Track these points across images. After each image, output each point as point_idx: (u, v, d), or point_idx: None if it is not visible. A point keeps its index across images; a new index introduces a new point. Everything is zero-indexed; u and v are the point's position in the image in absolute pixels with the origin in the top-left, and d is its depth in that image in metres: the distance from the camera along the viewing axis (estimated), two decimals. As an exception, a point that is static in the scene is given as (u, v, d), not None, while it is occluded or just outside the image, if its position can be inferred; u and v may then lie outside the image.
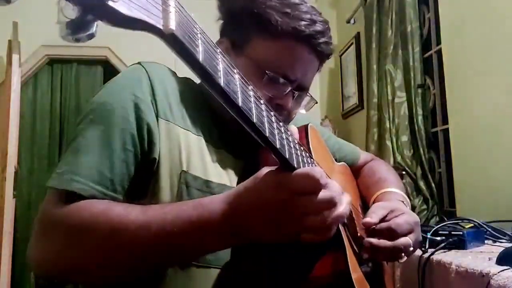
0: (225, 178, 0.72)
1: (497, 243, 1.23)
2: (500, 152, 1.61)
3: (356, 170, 1.10)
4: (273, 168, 0.52)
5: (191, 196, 0.66)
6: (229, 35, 0.78)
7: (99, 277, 0.60)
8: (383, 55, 2.43)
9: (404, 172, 2.17)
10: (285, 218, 0.50)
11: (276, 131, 0.47)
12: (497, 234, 1.27)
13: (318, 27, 0.75)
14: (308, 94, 0.81)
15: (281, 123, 0.51)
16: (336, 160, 1.01)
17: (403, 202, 0.89)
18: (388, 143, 2.31)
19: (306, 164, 0.59)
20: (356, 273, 0.71)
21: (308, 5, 0.77)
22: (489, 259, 0.99)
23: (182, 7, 0.35)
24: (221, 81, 0.37)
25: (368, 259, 0.80)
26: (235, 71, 0.41)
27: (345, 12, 3.21)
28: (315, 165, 0.66)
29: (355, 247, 0.78)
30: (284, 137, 0.51)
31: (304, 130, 0.77)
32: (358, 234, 0.83)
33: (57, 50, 3.39)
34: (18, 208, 2.62)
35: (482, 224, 1.29)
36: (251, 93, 0.44)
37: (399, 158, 2.24)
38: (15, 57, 2.75)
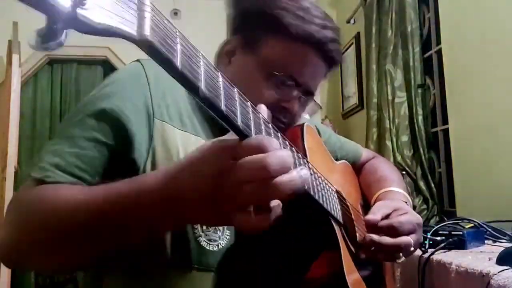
0: None
1: (497, 243, 1.23)
2: (500, 152, 1.61)
3: (357, 168, 1.09)
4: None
5: None
6: (240, 34, 0.78)
7: (45, 260, 0.57)
8: (383, 55, 2.43)
9: (404, 172, 2.17)
10: (220, 190, 0.42)
11: (264, 133, 0.47)
12: (497, 234, 1.27)
13: (330, 33, 0.75)
14: (314, 100, 0.81)
15: (270, 125, 0.51)
16: (337, 158, 1.01)
17: (405, 202, 0.89)
18: (388, 143, 2.31)
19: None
20: (352, 274, 0.71)
21: (321, 10, 0.76)
22: (489, 259, 0.99)
23: (159, 12, 0.34)
24: (202, 85, 0.37)
25: (367, 260, 0.80)
26: (218, 74, 0.41)
27: (345, 12, 3.21)
28: (309, 164, 0.66)
29: (352, 248, 0.77)
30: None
31: (299, 130, 0.75)
32: (357, 235, 0.83)
33: (57, 50, 3.38)
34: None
35: (482, 224, 1.29)
36: (236, 95, 0.43)
37: (399, 158, 2.24)
38: (15, 57, 2.75)
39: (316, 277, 0.67)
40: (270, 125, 0.51)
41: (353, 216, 0.86)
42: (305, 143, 0.72)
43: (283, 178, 0.41)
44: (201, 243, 0.65)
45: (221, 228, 0.69)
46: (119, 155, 0.63)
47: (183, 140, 0.68)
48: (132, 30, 0.31)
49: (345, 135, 3.21)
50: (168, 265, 0.64)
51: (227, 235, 0.69)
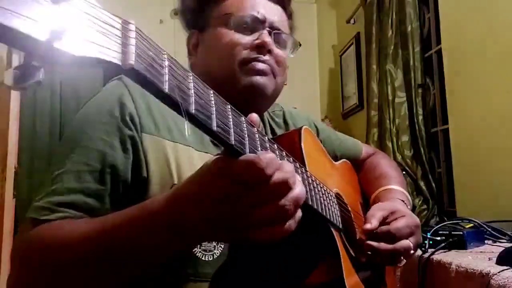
0: None
1: (497, 243, 1.23)
2: (500, 152, 1.61)
3: (358, 164, 1.09)
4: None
5: None
6: (192, 25, 0.85)
7: None
8: (383, 55, 2.43)
9: (404, 172, 2.17)
10: (229, 212, 0.43)
11: (259, 147, 0.47)
12: (497, 234, 1.27)
13: None
14: (288, 35, 0.84)
15: (266, 138, 0.51)
16: (337, 156, 1.00)
17: (403, 201, 0.89)
18: (389, 143, 2.31)
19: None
20: (351, 278, 0.70)
21: None
22: (489, 259, 0.99)
23: (144, 35, 0.33)
24: (192, 108, 0.36)
25: (367, 263, 0.80)
26: (210, 92, 0.41)
27: (345, 12, 3.20)
28: (308, 173, 0.65)
29: (351, 251, 0.77)
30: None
31: (297, 134, 0.74)
32: (357, 237, 0.82)
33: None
34: (18, 208, 2.61)
35: (482, 224, 1.29)
36: (230, 112, 0.43)
37: (399, 158, 2.24)
38: (15, 57, 2.75)
39: (313, 282, 0.66)
40: (266, 138, 0.51)
41: (352, 217, 0.85)
42: (303, 149, 0.71)
43: (297, 189, 0.45)
44: (197, 254, 0.65)
45: None
46: (132, 177, 0.64)
47: (173, 150, 0.67)
48: (116, 59, 0.30)
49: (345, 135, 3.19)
50: (164, 277, 0.63)
51: (222, 244, 0.68)
